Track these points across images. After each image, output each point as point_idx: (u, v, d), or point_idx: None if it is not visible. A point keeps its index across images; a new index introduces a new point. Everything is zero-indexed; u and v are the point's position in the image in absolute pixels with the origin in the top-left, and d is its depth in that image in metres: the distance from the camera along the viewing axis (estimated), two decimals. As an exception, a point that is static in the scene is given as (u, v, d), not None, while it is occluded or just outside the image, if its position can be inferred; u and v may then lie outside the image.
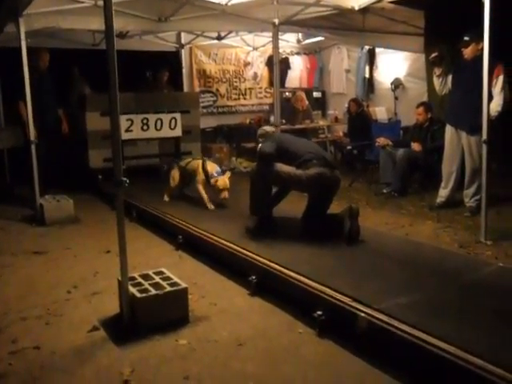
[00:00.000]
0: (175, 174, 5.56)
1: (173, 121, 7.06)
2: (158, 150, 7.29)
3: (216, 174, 5.06)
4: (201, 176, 5.16)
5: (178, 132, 7.14)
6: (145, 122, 6.85)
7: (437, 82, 5.33)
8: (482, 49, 4.11)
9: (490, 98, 4.46)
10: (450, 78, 5.23)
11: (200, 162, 5.30)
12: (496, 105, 4.76)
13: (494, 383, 1.99)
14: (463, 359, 2.11)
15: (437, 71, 5.27)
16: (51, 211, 5.38)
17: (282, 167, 3.93)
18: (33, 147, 5.25)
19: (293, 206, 4.62)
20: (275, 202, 4.40)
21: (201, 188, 5.18)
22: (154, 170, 7.01)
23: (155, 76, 8.31)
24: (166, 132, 7.05)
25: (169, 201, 5.57)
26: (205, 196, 5.14)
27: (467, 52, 4.97)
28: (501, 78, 4.79)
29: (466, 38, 4.92)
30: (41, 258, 4.33)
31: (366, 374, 2.39)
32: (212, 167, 5.19)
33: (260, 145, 4.15)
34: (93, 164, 6.79)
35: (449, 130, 5.32)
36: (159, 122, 6.96)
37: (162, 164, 7.00)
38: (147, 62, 8.40)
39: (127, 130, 6.67)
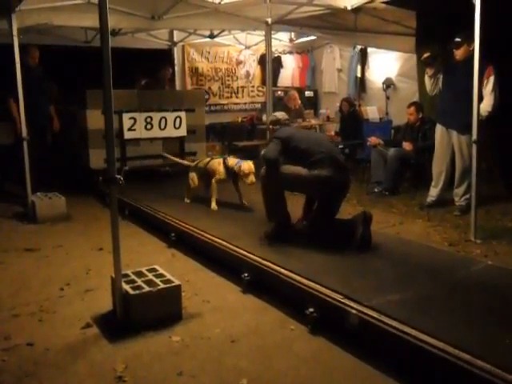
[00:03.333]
0: (194, 177, 5.40)
1: (177, 120, 6.75)
2: (162, 151, 6.88)
3: (237, 163, 4.96)
4: (220, 175, 5.05)
5: (182, 131, 6.83)
6: (148, 120, 6.54)
7: (428, 82, 5.36)
8: (474, 50, 4.15)
9: (481, 98, 4.52)
10: (440, 78, 5.27)
11: (221, 160, 5.15)
12: (486, 105, 4.80)
13: (482, 378, 2.03)
14: (452, 355, 2.15)
15: (429, 71, 5.30)
16: (43, 208, 5.37)
17: (288, 169, 3.78)
18: (25, 144, 5.22)
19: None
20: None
21: (215, 187, 5.10)
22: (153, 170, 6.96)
23: (157, 76, 7.96)
24: (170, 131, 6.72)
25: (163, 199, 5.51)
26: (215, 195, 5.08)
27: (459, 53, 5.01)
28: (491, 78, 4.83)
29: (458, 39, 4.96)
30: (33, 255, 4.32)
31: (357, 370, 2.42)
32: (232, 161, 5.05)
33: (263, 151, 3.97)
34: (93, 164, 6.45)
35: (439, 129, 5.37)
36: (163, 120, 6.64)
37: (166, 168, 6.90)
38: (139, 59, 8.33)
39: (130, 129, 6.42)
